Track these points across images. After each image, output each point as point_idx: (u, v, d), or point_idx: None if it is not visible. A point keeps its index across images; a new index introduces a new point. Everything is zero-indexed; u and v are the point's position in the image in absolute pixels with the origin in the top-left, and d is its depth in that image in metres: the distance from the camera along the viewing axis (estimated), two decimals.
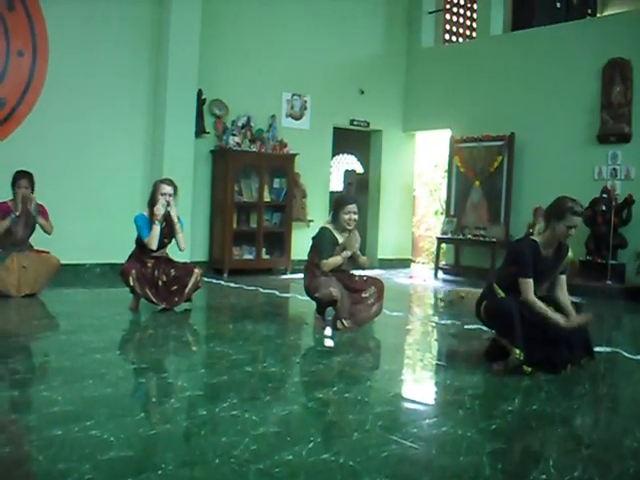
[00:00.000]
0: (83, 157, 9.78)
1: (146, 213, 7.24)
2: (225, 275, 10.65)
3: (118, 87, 10.08)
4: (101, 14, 9.96)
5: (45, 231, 7.87)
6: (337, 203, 6.80)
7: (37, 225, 7.82)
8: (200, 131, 10.72)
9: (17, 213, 7.64)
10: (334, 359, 5.53)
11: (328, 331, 6.55)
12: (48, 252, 7.93)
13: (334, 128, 12.52)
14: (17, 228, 7.73)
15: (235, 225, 11.03)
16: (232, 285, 9.61)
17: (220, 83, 10.98)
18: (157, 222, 7.10)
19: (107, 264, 9.78)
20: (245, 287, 9.42)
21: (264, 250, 11.31)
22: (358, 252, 6.78)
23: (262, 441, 3.50)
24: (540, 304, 5.16)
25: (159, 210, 7.08)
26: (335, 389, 4.57)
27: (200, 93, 10.68)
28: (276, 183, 11.53)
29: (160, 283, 7.20)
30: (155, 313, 7.11)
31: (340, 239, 6.71)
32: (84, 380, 4.43)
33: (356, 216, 6.71)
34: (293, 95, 11.96)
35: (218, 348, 5.70)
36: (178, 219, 7.26)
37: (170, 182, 7.26)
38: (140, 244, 7.22)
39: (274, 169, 11.46)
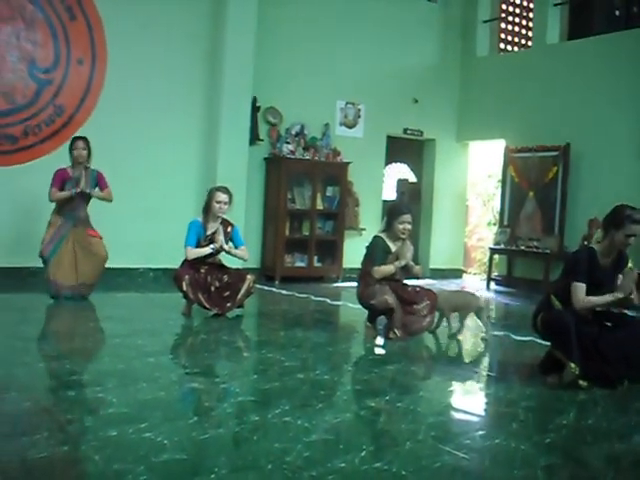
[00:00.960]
0: (138, 163, 9.91)
1: (200, 219, 7.31)
2: (277, 282, 10.69)
3: (174, 95, 10.20)
4: (158, 24, 10.10)
5: (105, 200, 8.07)
6: (391, 212, 6.79)
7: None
8: (254, 139, 10.80)
9: (78, 189, 7.81)
10: (386, 368, 5.51)
11: (379, 340, 6.54)
12: (100, 238, 8.03)
13: (387, 137, 12.50)
14: (72, 200, 7.89)
15: (287, 233, 11.08)
16: (284, 292, 9.64)
17: (274, 91, 11.05)
18: (210, 248, 7.18)
19: (160, 269, 9.89)
20: (297, 294, 9.44)
21: (316, 258, 11.33)
22: (411, 262, 6.75)
23: (314, 448, 3.50)
24: (590, 299, 5.08)
25: (218, 241, 7.18)
26: (387, 398, 4.55)
27: (255, 101, 10.76)
28: (329, 191, 11.55)
29: (213, 289, 7.25)
30: (207, 318, 7.17)
31: (393, 248, 6.70)
32: (138, 383, 4.49)
33: (410, 226, 6.69)
34: (347, 103, 11.97)
35: (270, 355, 5.72)
36: (232, 242, 7.38)
37: (226, 190, 7.33)
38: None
39: (327, 177, 11.48)
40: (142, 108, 9.97)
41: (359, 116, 12.10)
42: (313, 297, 9.25)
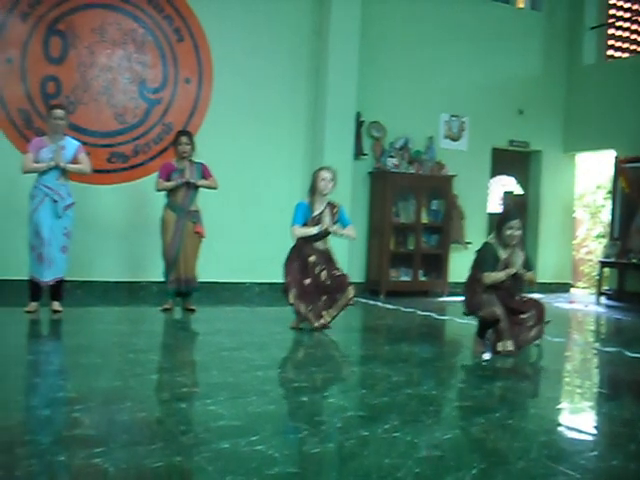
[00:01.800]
0: (244, 178, 10.08)
1: (307, 201, 7.38)
2: (382, 296, 10.67)
3: (278, 111, 10.35)
4: (262, 44, 10.29)
5: (211, 188, 8.26)
6: (500, 219, 6.68)
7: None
8: (358, 153, 10.84)
9: (182, 180, 8.03)
10: (495, 384, 5.40)
11: (487, 355, 6.42)
12: (203, 236, 8.18)
13: (492, 149, 12.33)
14: (177, 189, 8.09)
15: (392, 247, 11.06)
16: (389, 307, 9.61)
17: (378, 105, 11.06)
18: (317, 228, 7.23)
19: (266, 283, 10.02)
20: (402, 309, 9.39)
21: (421, 272, 11.26)
22: (522, 270, 6.61)
23: (425, 464, 3.46)
24: None
25: (325, 223, 7.23)
26: (497, 415, 4.46)
27: (358, 115, 10.80)
28: (434, 205, 11.47)
29: (319, 300, 7.27)
30: (315, 333, 7.19)
31: (503, 255, 6.58)
32: (248, 396, 4.54)
33: (519, 232, 6.56)
34: (451, 116, 11.89)
35: (378, 369, 5.70)
36: (339, 222, 7.41)
37: (329, 169, 7.44)
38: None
39: (432, 191, 11.40)
40: (247, 125, 10.16)
41: (463, 129, 11.99)
42: (419, 312, 9.18)
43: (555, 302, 11.31)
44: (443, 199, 11.46)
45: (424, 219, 11.29)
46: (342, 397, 4.88)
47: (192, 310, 8.18)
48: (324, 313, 7.31)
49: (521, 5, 12.91)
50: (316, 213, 7.35)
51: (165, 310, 8.11)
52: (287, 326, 7.35)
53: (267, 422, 4.07)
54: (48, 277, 7.47)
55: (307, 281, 7.26)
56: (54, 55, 9.42)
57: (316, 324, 7.26)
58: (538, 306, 6.67)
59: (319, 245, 7.37)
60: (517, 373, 5.81)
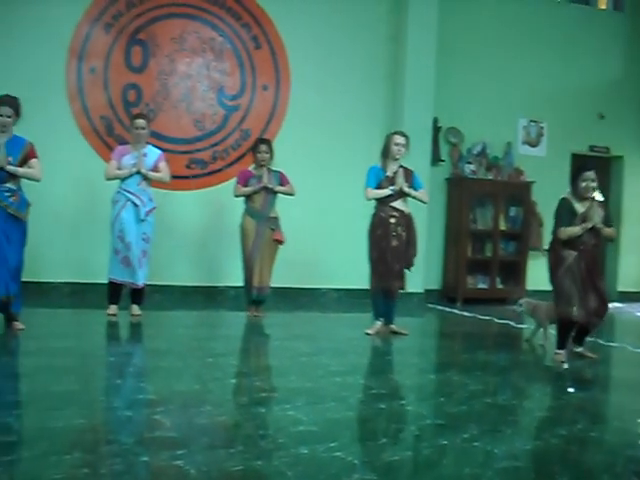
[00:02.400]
0: (320, 184, 10.09)
1: (380, 164, 7.40)
2: (458, 304, 10.56)
3: (355, 117, 10.35)
4: (338, 50, 10.31)
5: (288, 194, 8.32)
6: (575, 172, 6.56)
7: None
8: (436, 159, 10.77)
9: (260, 185, 8.09)
10: (575, 395, 5.29)
11: (567, 365, 6.28)
12: (282, 243, 8.22)
13: (572, 155, 12.08)
14: (255, 196, 8.15)
15: (469, 253, 10.94)
16: (465, 314, 9.50)
17: (455, 111, 10.97)
18: (390, 189, 7.22)
19: (342, 289, 10.03)
20: (479, 316, 9.28)
21: (498, 279, 11.11)
22: (600, 224, 6.43)
23: (505, 475, 3.41)
24: None
25: (398, 183, 7.23)
26: (579, 427, 4.36)
27: (436, 121, 10.73)
28: (512, 211, 11.31)
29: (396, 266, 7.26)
30: (391, 339, 7.16)
31: (580, 209, 6.43)
32: (326, 402, 4.54)
33: (594, 184, 6.41)
34: (530, 121, 11.70)
35: (455, 377, 5.64)
36: (412, 186, 7.39)
37: (402, 133, 7.49)
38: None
39: (510, 197, 11.25)
40: (324, 131, 10.19)
41: (542, 134, 11.80)
42: (496, 320, 9.05)
43: (637, 312, 11.02)
44: (521, 206, 11.29)
45: (502, 226, 11.13)
46: (420, 405, 4.84)
47: (262, 316, 8.21)
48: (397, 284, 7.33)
49: (603, 6, 12.64)
50: (389, 173, 7.33)
51: (255, 316, 8.17)
52: (364, 332, 7.33)
53: (346, 428, 4.07)
54: (140, 281, 7.62)
55: (388, 245, 7.23)
56: (135, 64, 9.64)
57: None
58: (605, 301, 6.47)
59: (398, 205, 7.33)
60: (598, 384, 5.67)
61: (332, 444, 3.67)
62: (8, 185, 6.45)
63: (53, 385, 4.67)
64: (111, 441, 3.63)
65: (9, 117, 6.49)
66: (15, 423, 3.84)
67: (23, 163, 6.51)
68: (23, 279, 6.76)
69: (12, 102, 6.51)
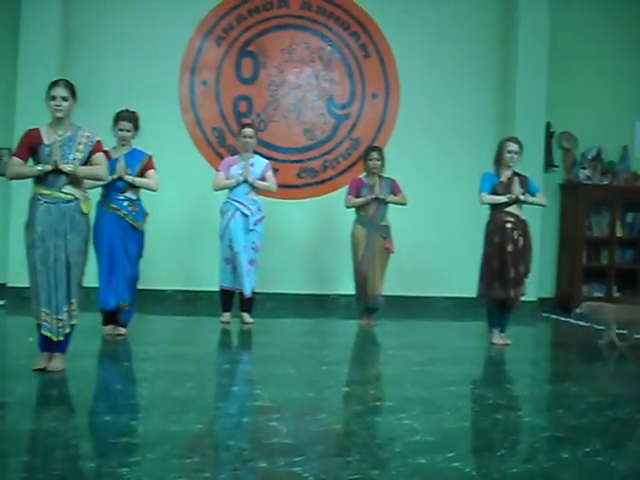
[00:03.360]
0: (430, 192, 9.97)
1: (493, 171, 7.29)
2: (573, 313, 10.26)
3: (465, 123, 10.21)
4: (447, 56, 10.19)
5: (400, 204, 8.29)
6: None
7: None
8: (548, 165, 10.51)
9: (372, 196, 8.08)
10: None
11: None
12: (392, 251, 8.18)
13: None
14: (367, 204, 8.13)
15: (584, 261, 10.63)
16: (581, 323, 9.23)
17: (569, 115, 10.67)
18: (507, 197, 7.09)
19: (453, 298, 9.90)
20: (595, 326, 8.99)
21: (615, 288, 10.74)
22: None
23: None
24: None
25: (514, 191, 7.08)
26: None
27: (548, 126, 10.48)
28: (629, 217, 10.91)
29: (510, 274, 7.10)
30: (507, 349, 7.01)
31: None
32: (442, 412, 4.49)
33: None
34: None
35: (573, 388, 5.48)
36: (527, 192, 7.25)
37: (516, 140, 7.31)
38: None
39: (627, 203, 10.85)
40: (434, 138, 10.10)
41: None
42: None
43: None
44: (639, 212, 10.89)
45: (618, 232, 10.76)
46: (538, 416, 4.73)
47: (374, 325, 8.18)
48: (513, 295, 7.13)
49: None
50: (503, 179, 7.22)
51: (367, 325, 8.16)
52: (477, 341, 7.23)
53: (462, 438, 4.02)
54: (247, 290, 7.73)
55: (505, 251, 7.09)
56: (246, 76, 9.83)
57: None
58: None
59: (514, 210, 7.18)
60: None
61: (449, 454, 3.61)
62: (127, 195, 6.69)
63: (172, 390, 4.78)
64: (229, 447, 3.67)
65: (128, 131, 6.74)
66: (138, 426, 3.95)
67: (141, 174, 6.73)
68: (138, 287, 6.97)
69: (131, 117, 6.76)
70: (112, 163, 6.45)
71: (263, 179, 7.86)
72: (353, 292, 8.37)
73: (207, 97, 9.73)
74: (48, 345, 5.18)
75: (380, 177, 8.21)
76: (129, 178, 6.61)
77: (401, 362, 6.18)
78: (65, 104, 5.13)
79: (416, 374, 5.69)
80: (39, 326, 5.12)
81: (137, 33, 9.47)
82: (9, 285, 8.93)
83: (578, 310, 7.50)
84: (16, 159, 5.15)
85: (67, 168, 5.04)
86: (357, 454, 3.64)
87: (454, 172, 10.08)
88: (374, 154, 8.23)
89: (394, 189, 8.27)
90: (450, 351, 6.84)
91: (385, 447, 3.81)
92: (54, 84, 5.20)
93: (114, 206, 6.61)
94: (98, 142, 5.28)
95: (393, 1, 10.10)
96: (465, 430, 4.19)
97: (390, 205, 8.26)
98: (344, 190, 8.47)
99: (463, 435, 4.08)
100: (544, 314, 9.89)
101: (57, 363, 5.15)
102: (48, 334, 5.08)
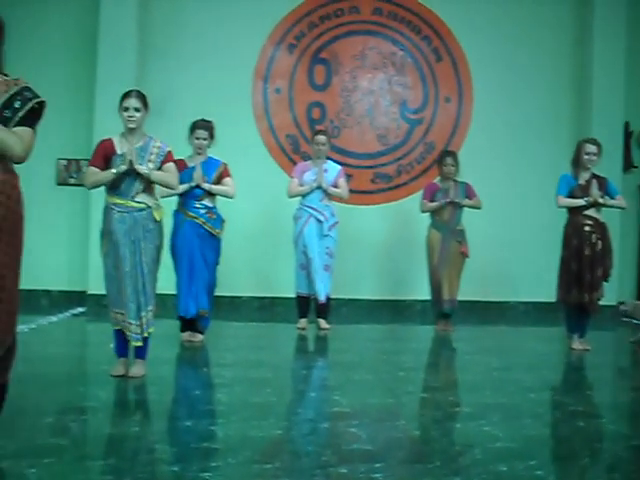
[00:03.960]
0: (505, 196, 9.85)
1: (570, 173, 7.14)
2: None
3: (540, 125, 10.02)
4: (521, 58, 10.05)
5: (475, 208, 8.24)
6: None
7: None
8: (627, 165, 10.27)
9: (447, 200, 8.03)
10: None
11: None
12: (467, 255, 8.11)
13: None
14: (442, 209, 8.09)
15: None
16: None
17: None
18: (584, 200, 6.94)
19: (530, 302, 9.76)
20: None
21: None
22: None
23: None
24: None
25: (592, 194, 6.89)
26: None
27: (627, 125, 10.24)
28: None
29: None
30: (585, 355, 6.87)
31: None
32: (522, 418, 4.41)
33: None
34: None
35: None
36: (606, 194, 7.05)
37: (594, 141, 7.13)
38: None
39: None
40: (509, 141, 9.98)
41: None
42: None
43: None
44: None
45: None
46: (621, 424, 4.61)
47: (450, 330, 8.11)
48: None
49: None
50: (581, 181, 7.07)
51: (443, 330, 8.10)
52: (556, 346, 7.11)
53: (544, 446, 3.95)
54: (321, 295, 7.76)
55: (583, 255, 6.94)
56: (318, 82, 9.89)
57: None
58: None
59: (592, 212, 7.02)
60: None
61: (531, 462, 3.55)
62: (204, 202, 6.78)
63: (251, 396, 4.82)
64: (309, 452, 3.69)
65: (205, 139, 6.83)
66: (218, 431, 4.00)
67: (217, 182, 6.82)
68: (215, 294, 7.06)
69: (207, 125, 6.85)
70: (189, 172, 6.57)
71: (336, 185, 7.89)
72: (428, 297, 8.33)
73: (280, 105, 9.82)
74: (126, 351, 5.30)
75: (455, 181, 8.15)
76: (206, 186, 6.71)
77: (479, 368, 6.11)
78: (137, 115, 5.23)
79: (494, 380, 5.62)
80: (116, 332, 5.24)
81: (210, 43, 9.62)
82: (89, 292, 9.14)
83: (622, 307, 7.32)
84: (93, 168, 5.26)
85: (142, 169, 5.13)
86: (437, 461, 3.61)
87: (530, 175, 9.94)
88: (448, 159, 8.18)
89: (469, 193, 8.20)
90: (528, 357, 6.73)
91: (465, 454, 3.76)
92: (126, 95, 5.31)
93: (192, 214, 6.71)
94: (169, 152, 5.36)
95: (464, 3, 10.03)
96: (546, 437, 4.12)
97: (465, 209, 8.19)
98: (418, 195, 8.44)
99: (544, 442, 4.01)
100: (624, 318, 9.65)
101: (137, 369, 5.26)
102: (133, 342, 5.18)
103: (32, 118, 3.46)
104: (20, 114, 3.40)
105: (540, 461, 3.60)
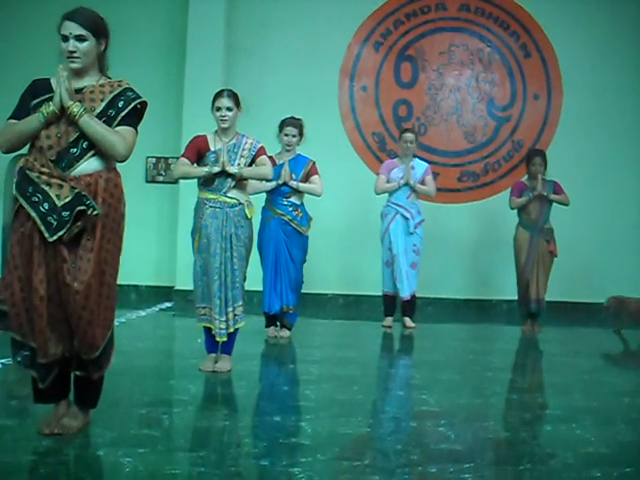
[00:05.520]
0: (595, 192, 9.63)
1: None
2: None
3: (633, 122, 9.77)
4: (611, 53, 9.82)
5: (562, 204, 8.10)
6: None
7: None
8: None
9: (535, 193, 7.91)
10: None
11: None
12: (556, 255, 7.99)
13: None
14: (530, 207, 7.98)
15: None
16: None
17: None
18: None
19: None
20: None
21: None
22: None
23: None
24: None
25: None
26: None
27: None
28: None
29: None
30: None
31: None
32: (615, 423, 4.30)
33: None
34: None
35: None
36: None
37: None
38: None
39: None
40: (600, 138, 9.77)
41: None
42: None
43: None
44: None
45: None
46: None
47: (538, 331, 7.98)
48: None
49: None
50: None
51: (530, 331, 7.97)
52: None
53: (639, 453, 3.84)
54: (405, 293, 7.74)
55: None
56: (405, 80, 9.86)
57: None
58: None
59: None
60: None
61: (627, 469, 3.45)
62: (292, 200, 6.83)
63: (338, 393, 4.85)
64: (398, 451, 3.68)
65: (294, 136, 6.86)
66: (307, 427, 4.02)
67: (305, 180, 6.86)
68: (302, 291, 7.10)
69: (297, 123, 6.89)
70: (277, 169, 6.61)
71: (423, 183, 7.85)
72: (515, 297, 8.21)
73: (367, 102, 9.83)
74: (215, 347, 5.37)
75: (543, 179, 8.01)
76: (294, 183, 6.75)
77: (568, 370, 5.99)
78: (230, 114, 5.30)
79: (585, 383, 5.50)
80: (206, 329, 5.33)
81: (296, 43, 9.69)
82: (176, 288, 9.32)
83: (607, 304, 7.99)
84: (184, 159, 5.34)
85: (234, 170, 5.20)
86: (528, 463, 3.54)
87: (620, 173, 9.71)
88: (537, 159, 8.04)
89: (557, 190, 8.07)
90: (620, 359, 6.57)
91: (557, 457, 3.69)
92: (218, 95, 5.38)
93: (279, 211, 6.77)
94: (261, 147, 5.43)
95: None
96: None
97: (553, 209, 8.04)
98: (505, 194, 8.36)
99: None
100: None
101: (224, 364, 5.33)
102: (217, 338, 5.26)
103: (134, 118, 3.57)
104: (123, 114, 3.51)
105: (636, 469, 3.50)
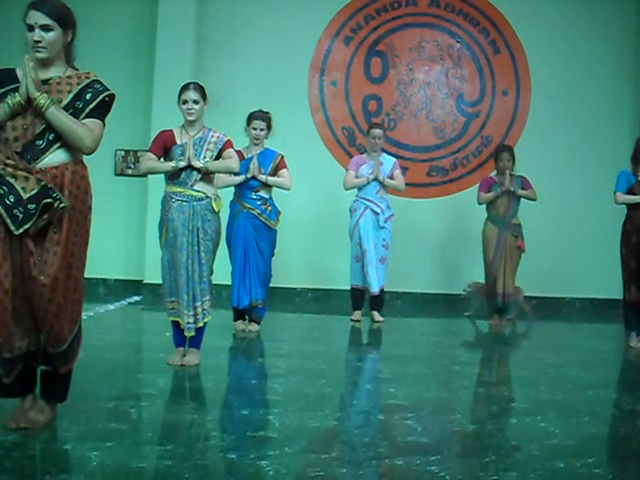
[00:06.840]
0: (562, 190, 9.73)
1: (630, 169, 7.02)
2: None
3: (600, 119, 9.87)
4: (581, 49, 9.91)
5: (529, 198, 8.16)
6: None
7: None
8: None
9: (502, 188, 7.98)
10: None
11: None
12: (523, 250, 8.06)
13: None
14: (498, 202, 8.05)
15: None
16: None
17: None
18: None
19: (586, 299, 9.63)
20: None
21: None
22: None
23: None
24: None
25: None
26: None
27: None
28: None
29: None
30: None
31: None
32: (579, 416, 4.36)
33: None
34: None
35: None
36: None
37: None
38: None
39: None
40: (567, 135, 9.85)
41: None
42: None
43: None
44: None
45: None
46: None
47: (505, 325, 8.05)
48: None
49: None
50: None
51: (498, 325, 8.03)
52: (613, 344, 7.01)
53: (602, 445, 3.92)
54: (375, 288, 7.77)
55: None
56: (375, 75, 9.88)
57: None
58: None
59: None
60: None
61: (589, 460, 3.50)
62: (260, 194, 6.82)
63: (306, 387, 4.86)
64: (365, 444, 3.69)
65: (262, 130, 6.84)
66: (276, 420, 4.03)
67: (274, 174, 6.85)
68: (270, 285, 7.10)
69: (265, 116, 6.87)
70: (245, 163, 6.61)
71: (392, 177, 7.89)
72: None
73: (336, 97, 9.84)
74: (183, 341, 5.37)
75: (511, 175, 8.07)
76: (262, 177, 6.74)
77: (534, 364, 6.06)
78: (196, 107, 5.29)
79: (550, 376, 5.56)
80: (174, 322, 5.32)
81: (267, 36, 9.68)
82: (145, 281, 9.28)
83: (466, 289, 8.46)
84: (150, 154, 5.33)
85: (199, 164, 5.19)
86: (493, 455, 3.59)
87: (588, 170, 9.80)
88: (505, 154, 8.11)
89: (524, 185, 8.15)
90: (584, 354, 6.65)
91: (522, 449, 3.73)
92: (185, 88, 5.38)
93: (248, 205, 6.76)
94: (228, 141, 5.42)
95: None
96: (604, 436, 4.06)
97: (521, 204, 8.12)
98: (474, 189, 8.41)
99: (603, 441, 3.96)
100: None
101: (192, 358, 5.32)
102: (185, 332, 5.25)
103: (102, 110, 3.55)
104: (91, 106, 3.49)
105: (599, 459, 3.58)
